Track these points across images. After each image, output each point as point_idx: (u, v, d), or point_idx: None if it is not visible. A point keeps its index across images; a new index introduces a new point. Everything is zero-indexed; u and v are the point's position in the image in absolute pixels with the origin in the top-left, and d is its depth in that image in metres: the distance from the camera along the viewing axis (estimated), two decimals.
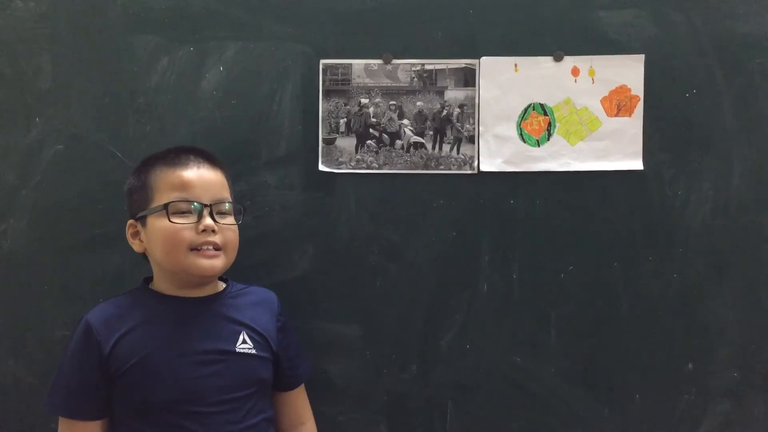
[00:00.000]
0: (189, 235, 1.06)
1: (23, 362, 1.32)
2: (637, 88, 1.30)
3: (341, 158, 1.32)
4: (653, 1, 1.30)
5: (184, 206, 1.07)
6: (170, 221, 1.06)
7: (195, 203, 1.08)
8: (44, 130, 1.32)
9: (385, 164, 1.32)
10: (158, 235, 1.07)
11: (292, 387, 1.21)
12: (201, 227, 1.07)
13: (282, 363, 1.17)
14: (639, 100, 1.30)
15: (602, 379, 1.32)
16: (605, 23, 1.30)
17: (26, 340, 1.32)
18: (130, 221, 1.13)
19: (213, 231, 1.08)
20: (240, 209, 1.16)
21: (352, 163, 1.32)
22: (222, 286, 1.18)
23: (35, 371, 1.31)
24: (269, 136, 1.32)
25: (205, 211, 1.08)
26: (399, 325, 1.32)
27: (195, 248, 1.07)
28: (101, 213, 1.31)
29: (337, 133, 1.32)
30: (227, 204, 1.13)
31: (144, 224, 1.10)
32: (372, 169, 1.32)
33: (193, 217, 1.07)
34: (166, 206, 1.07)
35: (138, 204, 1.11)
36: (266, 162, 1.32)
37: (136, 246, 1.13)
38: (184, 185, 1.08)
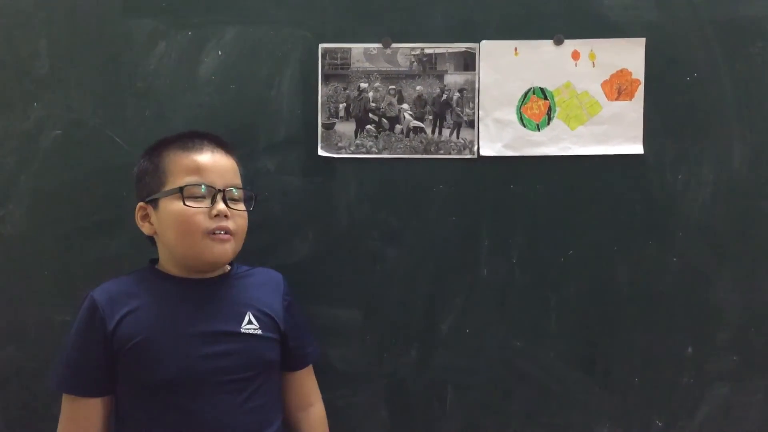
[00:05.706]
0: (202, 219, 1.07)
1: (23, 348, 1.32)
2: (638, 71, 1.30)
3: (341, 143, 1.32)
4: None
5: (198, 190, 1.08)
6: (185, 204, 1.06)
7: (208, 186, 1.08)
8: (42, 116, 1.31)
9: (384, 149, 1.32)
10: (171, 218, 1.08)
11: (299, 367, 1.21)
12: (214, 212, 1.08)
13: (289, 342, 1.17)
14: (640, 83, 1.30)
15: (602, 362, 1.32)
16: (606, 6, 1.29)
17: (26, 325, 1.32)
18: (141, 204, 1.12)
19: (225, 216, 1.08)
20: (251, 195, 1.17)
21: (352, 148, 1.32)
22: (227, 268, 1.18)
23: (36, 357, 1.31)
24: (268, 121, 1.31)
25: (219, 196, 1.09)
26: (399, 309, 1.32)
27: (208, 233, 1.08)
28: (100, 198, 1.31)
29: (337, 117, 1.32)
30: (239, 190, 1.13)
31: (156, 207, 1.10)
32: (371, 153, 1.32)
33: (207, 201, 1.08)
34: (181, 189, 1.07)
35: (150, 187, 1.11)
36: (265, 147, 1.32)
37: (145, 229, 1.13)
38: (199, 169, 1.09)
